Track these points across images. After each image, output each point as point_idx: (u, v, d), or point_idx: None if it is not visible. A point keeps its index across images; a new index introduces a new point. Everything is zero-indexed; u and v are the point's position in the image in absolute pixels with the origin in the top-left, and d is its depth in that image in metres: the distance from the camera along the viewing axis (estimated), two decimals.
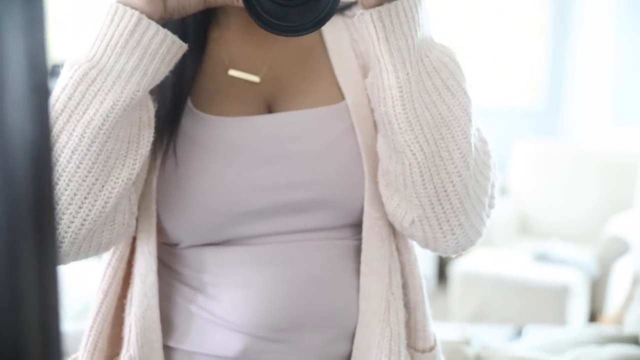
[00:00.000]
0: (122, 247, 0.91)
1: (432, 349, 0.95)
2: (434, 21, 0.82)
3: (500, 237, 3.84)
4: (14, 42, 0.33)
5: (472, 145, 0.82)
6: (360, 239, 0.90)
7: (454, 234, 0.84)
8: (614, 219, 3.86)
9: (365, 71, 0.91)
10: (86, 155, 0.78)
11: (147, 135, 0.83)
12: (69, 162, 0.78)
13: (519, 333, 2.82)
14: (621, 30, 4.47)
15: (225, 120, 0.88)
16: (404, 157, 0.81)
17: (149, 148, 0.83)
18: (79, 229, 0.80)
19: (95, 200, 0.80)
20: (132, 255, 0.91)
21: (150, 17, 0.78)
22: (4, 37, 0.33)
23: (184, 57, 0.84)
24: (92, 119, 0.78)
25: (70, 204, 0.78)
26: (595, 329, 2.13)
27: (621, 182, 4.05)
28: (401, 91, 0.78)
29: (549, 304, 3.41)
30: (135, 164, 0.82)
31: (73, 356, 0.95)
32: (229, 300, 0.87)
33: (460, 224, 0.83)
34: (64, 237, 0.79)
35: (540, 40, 4.66)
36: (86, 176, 0.78)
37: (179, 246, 0.90)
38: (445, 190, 0.81)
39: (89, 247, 0.83)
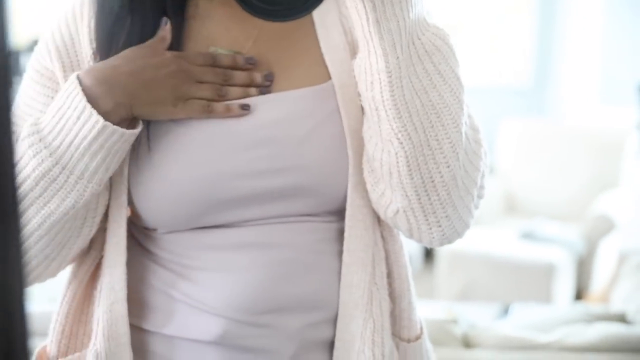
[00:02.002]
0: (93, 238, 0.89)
1: (417, 337, 0.92)
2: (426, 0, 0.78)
3: (487, 216, 3.84)
4: None
5: (463, 134, 0.79)
6: (344, 222, 0.86)
7: (439, 225, 0.81)
8: (600, 198, 3.87)
9: (353, 49, 0.86)
10: (44, 237, 0.82)
11: (103, 199, 0.85)
12: (27, 237, 0.81)
13: (505, 311, 2.83)
14: (609, 8, 4.46)
15: None
16: (391, 146, 0.78)
17: (105, 208, 0.86)
18: (34, 277, 0.86)
19: (52, 261, 0.85)
20: (99, 244, 0.90)
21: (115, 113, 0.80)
22: None
23: None
24: (53, 213, 0.80)
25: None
26: (582, 307, 2.13)
27: (608, 160, 4.07)
28: (390, 76, 0.75)
29: (535, 282, 3.42)
30: (92, 230, 0.86)
31: (42, 344, 0.92)
32: (208, 283, 0.85)
33: (446, 216, 0.80)
34: None
35: (527, 18, 4.64)
36: (43, 249, 0.83)
37: (157, 231, 0.87)
38: (433, 181, 0.78)
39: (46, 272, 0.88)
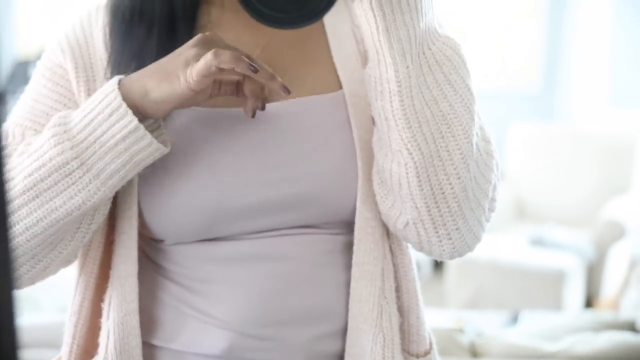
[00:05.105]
0: (95, 249, 0.87)
1: (427, 353, 0.91)
2: (436, 7, 0.77)
3: (496, 222, 3.79)
4: None
5: (474, 145, 0.77)
6: (352, 235, 0.85)
7: (450, 238, 0.80)
8: (610, 203, 3.84)
9: (365, 58, 0.84)
10: (38, 235, 0.79)
11: (104, 208, 0.83)
12: (20, 234, 0.78)
13: (514, 319, 2.81)
14: (618, 12, 4.43)
15: (211, 112, 0.84)
16: (400, 156, 0.77)
17: (104, 218, 0.83)
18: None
19: (38, 262, 0.82)
20: (106, 256, 0.88)
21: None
22: None
23: (172, 44, 0.81)
24: (56, 210, 0.77)
25: None
26: (591, 315, 2.11)
27: (618, 165, 4.04)
28: (400, 86, 0.74)
29: (545, 288, 3.40)
30: (85, 237, 0.83)
31: (57, 356, 0.92)
32: (214, 296, 0.84)
33: (457, 229, 0.79)
34: None
35: (536, 22, 4.62)
36: (32, 248, 0.80)
37: (164, 242, 0.86)
38: (443, 193, 0.77)
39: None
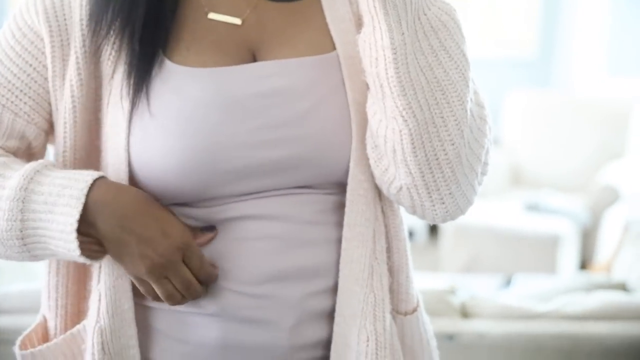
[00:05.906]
0: None
1: (414, 310, 0.93)
2: None
3: (492, 188, 3.83)
4: None
5: (468, 111, 0.78)
6: (344, 194, 0.85)
7: (443, 203, 0.81)
8: (605, 169, 3.85)
9: (359, 20, 0.84)
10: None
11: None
12: None
13: (508, 282, 2.83)
14: None
15: (202, 72, 0.83)
16: (395, 123, 0.77)
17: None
18: None
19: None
20: None
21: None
22: None
23: (159, 7, 0.80)
24: None
25: None
26: (584, 277, 2.13)
27: (614, 131, 4.05)
28: (395, 53, 0.74)
29: (540, 253, 3.43)
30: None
31: (40, 319, 0.92)
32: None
33: (450, 193, 0.80)
34: None
35: None
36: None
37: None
38: (437, 159, 0.78)
39: None
